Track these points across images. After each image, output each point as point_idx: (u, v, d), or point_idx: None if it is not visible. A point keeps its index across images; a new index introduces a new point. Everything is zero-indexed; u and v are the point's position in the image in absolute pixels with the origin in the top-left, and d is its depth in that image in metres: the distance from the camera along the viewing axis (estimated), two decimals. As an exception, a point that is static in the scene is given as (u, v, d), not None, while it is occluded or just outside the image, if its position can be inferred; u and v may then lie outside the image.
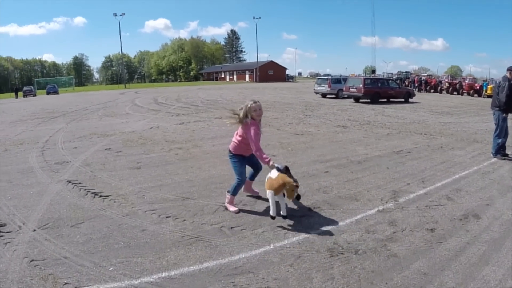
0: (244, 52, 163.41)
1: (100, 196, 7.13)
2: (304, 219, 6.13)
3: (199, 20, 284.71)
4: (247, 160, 6.78)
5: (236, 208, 6.50)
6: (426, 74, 71.33)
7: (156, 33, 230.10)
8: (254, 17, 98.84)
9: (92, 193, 7.29)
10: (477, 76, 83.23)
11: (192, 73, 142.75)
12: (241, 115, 6.36)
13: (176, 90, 53.48)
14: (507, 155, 11.23)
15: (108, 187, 7.67)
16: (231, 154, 6.74)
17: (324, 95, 36.43)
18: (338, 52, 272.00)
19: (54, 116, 22.23)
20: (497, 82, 11.67)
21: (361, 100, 30.87)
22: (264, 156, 6.19)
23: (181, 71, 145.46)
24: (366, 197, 7.22)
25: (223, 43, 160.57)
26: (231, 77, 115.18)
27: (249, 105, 6.33)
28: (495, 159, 10.91)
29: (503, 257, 5.06)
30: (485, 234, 5.77)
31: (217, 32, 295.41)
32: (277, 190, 5.80)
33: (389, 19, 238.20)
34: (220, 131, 14.26)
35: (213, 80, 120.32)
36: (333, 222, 6.01)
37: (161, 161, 9.68)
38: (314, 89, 37.63)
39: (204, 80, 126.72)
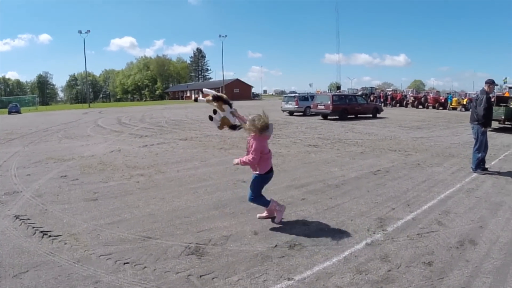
0: (210, 70, 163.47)
1: (50, 236, 6.10)
2: (285, 260, 5.25)
3: (165, 39, 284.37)
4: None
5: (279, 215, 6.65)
6: (391, 89, 72.50)
7: (121, 51, 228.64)
8: (220, 35, 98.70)
9: (41, 232, 6.26)
10: (439, 89, 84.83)
11: (157, 92, 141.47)
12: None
13: (141, 109, 52.31)
14: (486, 169, 11.04)
15: (59, 224, 6.66)
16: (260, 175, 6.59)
17: (291, 113, 36.06)
18: (303, 69, 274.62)
19: (11, 138, 20.86)
20: (475, 96, 11.34)
21: (329, 117, 30.49)
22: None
23: (146, 90, 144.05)
24: (351, 227, 6.45)
25: (189, 62, 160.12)
26: (196, 95, 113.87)
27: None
28: (476, 174, 10.64)
29: (511, 288, 4.53)
30: (486, 263, 5.23)
31: (183, 51, 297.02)
32: None
33: (353, 37, 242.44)
34: (185, 154, 13.32)
35: (178, 99, 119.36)
36: (318, 263, 5.18)
37: (121, 191, 8.70)
38: (281, 107, 37.21)
39: (169, 99, 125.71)
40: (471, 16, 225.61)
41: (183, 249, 5.56)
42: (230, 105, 6.81)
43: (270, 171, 6.57)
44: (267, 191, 8.45)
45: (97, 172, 10.59)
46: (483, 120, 10.65)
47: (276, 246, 5.66)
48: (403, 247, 5.69)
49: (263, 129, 6.22)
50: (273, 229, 6.35)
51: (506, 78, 36.66)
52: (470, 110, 11.58)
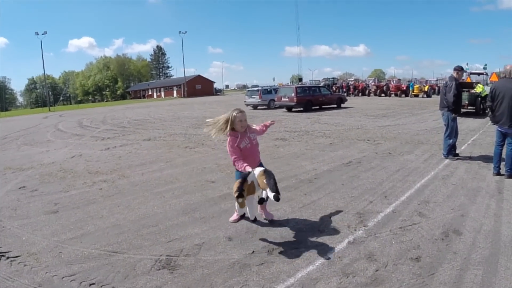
0: (171, 67, 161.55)
1: (7, 257, 5.45)
2: (264, 268, 4.82)
3: (124, 37, 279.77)
4: None
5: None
6: (353, 79, 73.21)
7: (80, 52, 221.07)
8: (180, 32, 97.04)
9: (-2, 253, 5.72)
10: (399, 77, 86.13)
11: (118, 92, 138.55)
12: (224, 125, 5.90)
13: (103, 110, 50.80)
14: (457, 154, 11.02)
15: (17, 242, 6.00)
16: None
17: (255, 107, 35.68)
18: (264, 63, 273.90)
19: (-34, 149, 19.95)
20: (444, 82, 11.27)
21: (294, 109, 30.17)
22: (239, 166, 5.83)
23: (107, 90, 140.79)
24: (331, 225, 6.10)
25: (149, 60, 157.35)
26: (158, 94, 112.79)
27: (234, 114, 5.85)
28: (448, 160, 10.58)
29: (504, 279, 4.45)
30: (475, 253, 5.04)
31: (143, 49, 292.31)
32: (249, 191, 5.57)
33: (313, 29, 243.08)
34: (150, 156, 12.73)
35: (140, 98, 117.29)
36: (301, 268, 4.79)
37: (83, 200, 8.06)
38: (245, 101, 36.66)
39: (131, 98, 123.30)
40: (427, 5, 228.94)
41: (153, 263, 5.06)
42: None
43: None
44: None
45: (58, 181, 9.93)
46: (453, 107, 10.59)
47: (253, 252, 5.23)
48: (387, 243, 5.38)
49: (222, 129, 5.90)
50: (248, 232, 5.93)
51: (467, 64, 36.99)
52: (439, 96, 11.50)
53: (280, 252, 5.21)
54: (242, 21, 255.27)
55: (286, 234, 5.83)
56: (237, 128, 5.85)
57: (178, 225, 6.35)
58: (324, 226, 6.08)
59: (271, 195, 5.26)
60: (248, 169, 5.64)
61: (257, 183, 5.59)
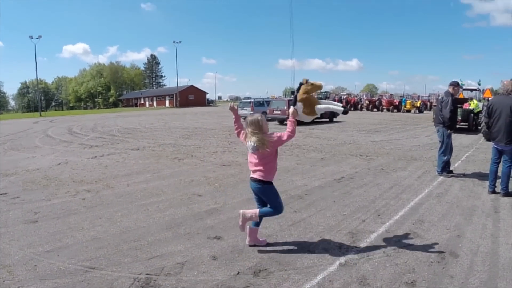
0: (164, 77, 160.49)
1: None
2: (250, 292, 4.55)
3: (118, 45, 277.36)
4: None
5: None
6: (345, 93, 73.37)
7: (74, 58, 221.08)
8: (174, 41, 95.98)
9: (-28, 264, 5.35)
10: (391, 92, 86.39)
11: (111, 100, 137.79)
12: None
13: (94, 118, 50.33)
14: (451, 171, 10.85)
15: None
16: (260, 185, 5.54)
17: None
18: (257, 75, 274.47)
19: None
20: (440, 98, 11.18)
21: (285, 122, 29.84)
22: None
23: (100, 97, 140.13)
24: (321, 245, 5.79)
25: (143, 68, 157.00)
26: (151, 103, 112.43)
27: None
28: (442, 177, 10.41)
29: (504, 306, 4.21)
30: (472, 277, 4.80)
31: (136, 57, 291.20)
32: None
33: (306, 42, 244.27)
34: (137, 166, 12.40)
35: (132, 106, 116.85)
36: (289, 293, 4.50)
37: (64, 210, 7.71)
38: (237, 112, 36.33)
39: (123, 106, 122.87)
40: (420, 21, 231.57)
41: (131, 281, 4.71)
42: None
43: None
44: (226, 206, 7.81)
45: (41, 188, 9.57)
46: (449, 123, 10.41)
47: (238, 273, 4.89)
48: (381, 266, 5.09)
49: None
50: (234, 251, 5.59)
51: (461, 80, 37.15)
52: (434, 112, 11.36)
53: (267, 274, 4.87)
54: (236, 32, 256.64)
55: (274, 254, 5.50)
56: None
57: (160, 241, 6.01)
58: (315, 246, 5.77)
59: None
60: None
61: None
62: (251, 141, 5.38)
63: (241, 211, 5.69)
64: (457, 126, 21.89)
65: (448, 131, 10.48)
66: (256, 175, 5.45)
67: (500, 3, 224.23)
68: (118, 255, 5.53)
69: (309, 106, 6.09)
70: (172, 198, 8.41)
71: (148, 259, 5.34)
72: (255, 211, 5.62)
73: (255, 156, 5.45)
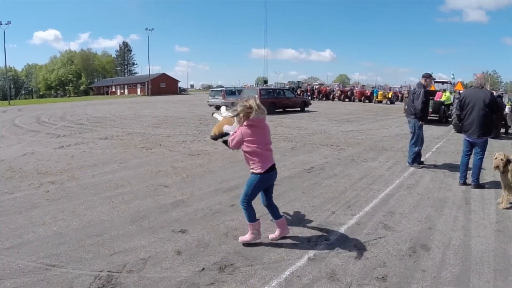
0: (136, 65, 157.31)
1: None
2: (214, 289, 4.35)
3: (90, 32, 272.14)
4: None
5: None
6: (318, 83, 73.58)
7: (45, 44, 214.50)
8: (146, 29, 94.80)
9: None
10: (363, 83, 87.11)
11: (82, 88, 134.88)
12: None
13: (64, 106, 49.05)
14: (422, 162, 10.88)
15: None
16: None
17: (218, 107, 34.99)
18: (231, 64, 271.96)
19: None
20: (412, 89, 11.06)
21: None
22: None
23: (70, 85, 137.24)
24: (289, 239, 5.61)
25: (115, 56, 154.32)
26: (122, 91, 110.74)
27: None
28: (413, 168, 10.41)
29: (476, 299, 4.18)
30: (444, 271, 4.74)
31: (108, 44, 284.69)
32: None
33: (280, 32, 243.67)
34: (104, 156, 12.02)
35: (103, 94, 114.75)
36: (255, 288, 4.33)
37: (26, 204, 7.31)
38: (208, 101, 35.94)
39: (94, 94, 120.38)
40: (394, 14, 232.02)
41: (92, 279, 4.46)
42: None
43: (271, 169, 5.52)
44: (193, 197, 7.59)
45: (4, 181, 9.11)
46: (421, 114, 10.43)
47: (203, 269, 4.68)
48: (351, 260, 4.95)
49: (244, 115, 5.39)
50: (199, 246, 5.37)
51: (432, 73, 37.50)
52: (405, 103, 11.35)
53: (233, 270, 4.68)
54: (210, 20, 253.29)
55: (240, 248, 5.31)
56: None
57: (124, 235, 5.75)
58: (283, 240, 5.59)
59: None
60: None
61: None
62: None
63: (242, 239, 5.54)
64: (428, 118, 22.10)
65: (420, 123, 10.49)
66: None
67: (473, 0, 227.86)
68: (79, 251, 5.25)
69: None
70: (138, 190, 8.13)
71: (110, 255, 5.08)
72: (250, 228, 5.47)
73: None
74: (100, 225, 6.17)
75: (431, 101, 22.00)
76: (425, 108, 10.48)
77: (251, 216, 5.37)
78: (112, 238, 5.65)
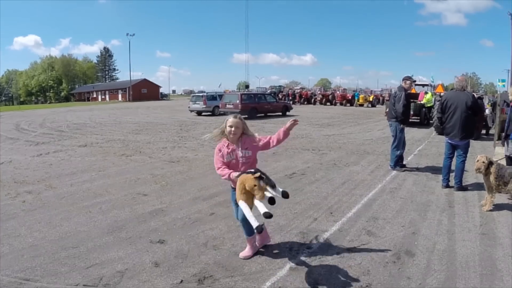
0: (117, 70, 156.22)
1: None
2: (192, 302, 4.16)
3: (71, 37, 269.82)
4: None
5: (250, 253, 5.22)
6: (299, 88, 73.95)
7: (26, 50, 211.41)
8: (127, 34, 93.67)
9: None
10: (345, 87, 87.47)
11: (63, 94, 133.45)
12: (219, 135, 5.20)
13: (44, 113, 48.38)
14: (404, 165, 10.84)
15: None
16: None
17: (199, 113, 34.83)
18: (212, 69, 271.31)
19: None
20: (393, 92, 11.06)
21: (244, 116, 29.56)
22: (224, 173, 4.97)
23: (51, 91, 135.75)
24: (270, 248, 5.49)
25: (96, 61, 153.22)
26: (103, 97, 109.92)
27: (226, 119, 5.10)
28: (395, 171, 10.34)
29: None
30: (430, 277, 4.66)
31: (89, 50, 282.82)
32: (239, 195, 4.54)
33: (261, 37, 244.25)
34: (82, 164, 11.79)
35: (85, 100, 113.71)
36: (235, 302, 4.15)
37: (2, 215, 7.01)
38: (189, 107, 35.76)
39: (75, 100, 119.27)
40: (374, 18, 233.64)
41: None
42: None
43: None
44: (172, 206, 7.42)
45: (-20, 191, 8.91)
46: (402, 117, 10.39)
47: (181, 281, 4.52)
48: (334, 269, 4.83)
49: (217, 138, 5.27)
50: (177, 257, 5.20)
51: (412, 75, 37.83)
52: (387, 106, 11.33)
53: (212, 282, 4.52)
54: (191, 25, 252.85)
55: (220, 258, 5.16)
56: (229, 138, 5.10)
57: (100, 246, 5.56)
58: (263, 248, 5.46)
59: (278, 191, 4.63)
60: (235, 174, 4.84)
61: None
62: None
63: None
64: (410, 120, 22.20)
65: (401, 126, 10.45)
66: None
67: (452, 3, 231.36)
68: (55, 264, 5.04)
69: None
70: (116, 199, 7.93)
71: (86, 268, 4.88)
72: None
73: None
74: (77, 236, 5.96)
75: (412, 104, 22.11)
76: (407, 111, 10.46)
77: (248, 230, 5.19)
78: (89, 250, 5.45)
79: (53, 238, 5.94)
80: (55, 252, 5.41)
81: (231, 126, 5.00)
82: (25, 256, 5.27)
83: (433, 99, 23.01)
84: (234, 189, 5.02)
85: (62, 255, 5.31)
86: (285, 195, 4.56)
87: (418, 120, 23.46)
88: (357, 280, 4.54)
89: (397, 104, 10.25)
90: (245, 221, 4.92)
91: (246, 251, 5.23)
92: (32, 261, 5.12)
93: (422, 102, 23.44)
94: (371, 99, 52.16)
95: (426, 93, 24.80)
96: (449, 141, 8.57)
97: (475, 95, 9.37)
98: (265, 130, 21.21)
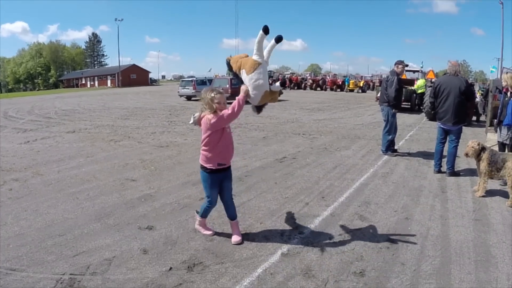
0: (106, 56, 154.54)
1: None
2: (182, 290, 4.07)
3: (59, 23, 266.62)
4: (219, 182, 5.13)
5: (211, 232, 5.32)
6: (289, 73, 73.62)
7: (13, 37, 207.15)
8: (116, 19, 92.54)
9: None
10: (335, 72, 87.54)
11: (51, 81, 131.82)
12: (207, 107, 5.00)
13: (32, 100, 47.63)
14: (396, 150, 10.78)
15: None
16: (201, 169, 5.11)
17: (189, 98, 34.57)
18: (202, 54, 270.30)
19: None
20: (385, 77, 10.94)
21: (228, 101, 29.31)
22: (234, 105, 5.00)
23: (39, 78, 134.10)
24: (261, 233, 5.38)
25: (84, 47, 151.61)
26: (92, 83, 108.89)
27: (212, 96, 5.01)
28: (386, 156, 10.32)
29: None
30: (424, 263, 4.58)
31: (78, 36, 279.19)
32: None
33: (251, 22, 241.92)
34: (70, 150, 11.58)
35: (73, 87, 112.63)
36: (226, 288, 4.06)
37: None
38: (178, 91, 35.57)
39: (64, 87, 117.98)
40: (364, 4, 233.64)
41: (54, 283, 4.12)
42: None
43: (218, 169, 5.07)
44: (160, 191, 7.29)
45: (-34, 180, 8.69)
46: (394, 102, 10.33)
47: (171, 269, 4.39)
48: (326, 254, 4.73)
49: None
50: (166, 243, 5.07)
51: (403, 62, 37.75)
52: (377, 91, 11.26)
53: (202, 269, 4.39)
54: (180, 10, 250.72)
55: (210, 245, 5.03)
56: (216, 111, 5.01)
57: (88, 234, 5.41)
58: (254, 234, 5.35)
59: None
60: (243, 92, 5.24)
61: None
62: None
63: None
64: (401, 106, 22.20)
65: (393, 110, 10.39)
66: None
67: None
68: (41, 252, 4.89)
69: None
70: (104, 185, 7.77)
71: (73, 256, 4.74)
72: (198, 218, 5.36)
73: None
74: (64, 224, 5.80)
75: (404, 90, 22.11)
76: (399, 96, 10.40)
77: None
78: (76, 237, 5.30)
79: (39, 226, 5.77)
80: (41, 240, 5.25)
81: (219, 103, 4.99)
82: (11, 246, 5.10)
83: (425, 85, 22.96)
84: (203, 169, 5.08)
85: (49, 243, 5.15)
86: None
87: (409, 106, 23.38)
88: (350, 266, 4.44)
89: (390, 89, 10.19)
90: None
91: (235, 236, 5.15)
92: (18, 250, 4.96)
93: (413, 88, 23.39)
94: (361, 85, 52.17)
95: (417, 79, 24.76)
96: (442, 126, 8.50)
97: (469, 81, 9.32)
98: (254, 114, 20.92)
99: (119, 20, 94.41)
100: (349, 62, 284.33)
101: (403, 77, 25.35)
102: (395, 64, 10.46)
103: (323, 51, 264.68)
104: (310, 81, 57.74)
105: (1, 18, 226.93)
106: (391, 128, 10.42)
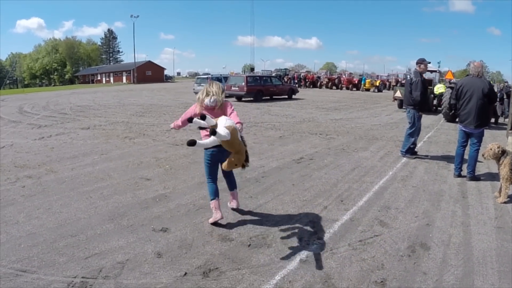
0: (122, 52, 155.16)
1: None
2: (197, 298, 3.89)
3: (74, 20, 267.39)
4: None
5: (219, 215, 5.59)
6: (305, 71, 73.42)
7: (29, 33, 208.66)
8: (131, 16, 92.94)
9: None
10: (350, 71, 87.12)
11: (67, 76, 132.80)
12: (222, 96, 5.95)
13: (48, 95, 47.78)
14: (416, 152, 10.58)
15: None
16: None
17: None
18: (217, 51, 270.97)
19: None
20: (409, 78, 10.68)
21: (243, 99, 29.43)
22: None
23: (55, 74, 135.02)
24: (279, 238, 5.22)
25: (100, 44, 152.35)
26: (107, 79, 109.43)
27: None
28: (405, 158, 10.09)
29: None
30: (447, 273, 4.40)
31: (93, 32, 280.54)
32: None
33: (266, 19, 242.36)
34: (85, 147, 11.51)
35: (89, 83, 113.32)
36: (244, 298, 3.88)
37: (1, 201, 6.75)
38: (194, 89, 35.47)
39: (80, 83, 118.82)
40: (379, 2, 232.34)
41: (65, 286, 4.01)
42: None
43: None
44: (176, 191, 7.16)
45: (-21, 176, 8.62)
46: (420, 105, 10.11)
47: (186, 274, 4.25)
48: (346, 261, 4.57)
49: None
50: (181, 247, 4.94)
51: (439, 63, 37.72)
52: (396, 91, 11.03)
53: (219, 275, 4.25)
54: (195, 7, 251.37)
55: (226, 249, 4.89)
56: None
57: (101, 235, 5.30)
58: (272, 239, 5.20)
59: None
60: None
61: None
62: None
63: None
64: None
65: (419, 113, 10.20)
66: None
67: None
68: (53, 254, 4.78)
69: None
70: (118, 183, 7.67)
71: (85, 258, 4.63)
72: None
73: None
74: (76, 224, 5.69)
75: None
76: (424, 98, 10.18)
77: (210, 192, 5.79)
78: (88, 238, 5.19)
79: (52, 225, 5.67)
80: (53, 240, 5.14)
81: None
82: (23, 245, 5.00)
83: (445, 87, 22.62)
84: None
85: (61, 244, 5.04)
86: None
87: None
88: (371, 275, 4.29)
89: (415, 92, 9.94)
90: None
91: (214, 215, 5.59)
92: (30, 250, 4.86)
93: (431, 87, 23.08)
94: (377, 84, 51.71)
95: (438, 81, 24.45)
96: (463, 129, 8.28)
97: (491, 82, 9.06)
98: (271, 113, 20.94)
99: (134, 17, 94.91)
100: (364, 61, 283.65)
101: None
102: (417, 64, 10.18)
103: (338, 50, 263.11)
104: (326, 79, 57.50)
105: (16, 14, 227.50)
106: (415, 130, 10.25)
